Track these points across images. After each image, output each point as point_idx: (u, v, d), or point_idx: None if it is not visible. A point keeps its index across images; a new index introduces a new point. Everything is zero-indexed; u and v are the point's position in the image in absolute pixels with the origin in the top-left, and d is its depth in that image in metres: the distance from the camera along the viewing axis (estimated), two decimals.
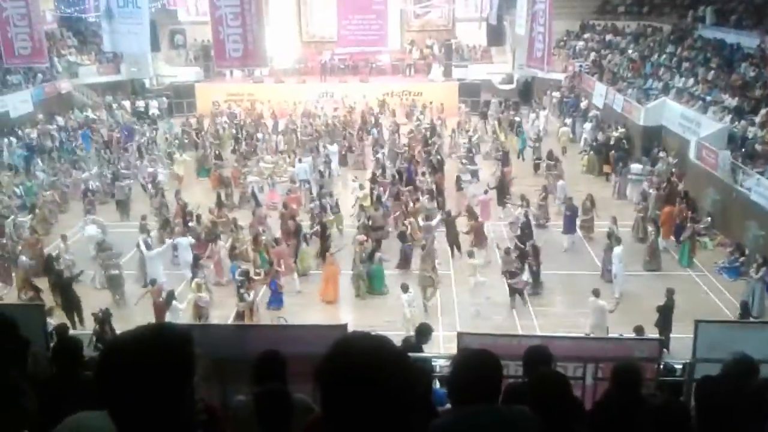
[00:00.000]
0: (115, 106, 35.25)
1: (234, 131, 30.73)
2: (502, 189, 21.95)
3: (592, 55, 34.35)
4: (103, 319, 13.00)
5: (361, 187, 21.53)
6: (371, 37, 31.12)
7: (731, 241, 18.64)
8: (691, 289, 16.54)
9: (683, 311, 13.46)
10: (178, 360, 1.75)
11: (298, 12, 39.94)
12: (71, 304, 15.24)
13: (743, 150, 19.91)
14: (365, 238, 17.56)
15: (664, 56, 29.10)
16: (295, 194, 21.74)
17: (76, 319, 15.09)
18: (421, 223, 18.61)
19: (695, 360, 5.91)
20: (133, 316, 14.91)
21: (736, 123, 21.20)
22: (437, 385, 6.08)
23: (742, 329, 7.20)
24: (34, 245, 17.91)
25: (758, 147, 19.48)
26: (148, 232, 18.60)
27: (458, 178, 22.42)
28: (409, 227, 18.45)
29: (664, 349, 11.16)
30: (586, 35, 36.87)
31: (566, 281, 17.13)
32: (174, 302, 14.43)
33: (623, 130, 26.36)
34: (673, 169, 22.58)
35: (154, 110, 35.56)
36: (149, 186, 23.01)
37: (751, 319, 14.48)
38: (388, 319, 14.98)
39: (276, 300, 15.98)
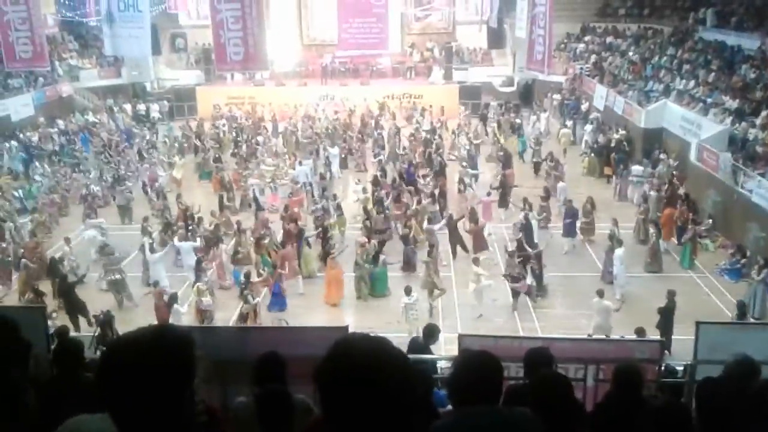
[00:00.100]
0: (116, 109, 35.28)
1: (234, 134, 30.73)
2: (504, 191, 21.96)
3: (593, 57, 34.36)
4: (104, 321, 13.01)
5: (364, 190, 21.54)
6: (372, 41, 31.16)
7: (732, 243, 18.62)
8: (692, 290, 16.53)
9: (684, 313, 13.45)
10: (179, 361, 1.75)
11: (299, 15, 39.99)
12: (75, 307, 15.23)
13: (744, 152, 19.91)
14: (366, 240, 17.56)
15: (665, 58, 29.12)
16: (297, 197, 21.74)
17: (84, 321, 15.05)
18: (424, 225, 18.62)
19: (696, 361, 5.91)
20: (136, 318, 14.94)
21: (737, 125, 21.20)
22: (438, 386, 6.07)
23: (743, 331, 7.20)
24: (33, 249, 17.91)
25: (759, 149, 19.48)
26: (150, 234, 18.61)
27: (460, 180, 22.44)
28: (411, 230, 18.46)
29: (666, 351, 11.15)
30: (586, 38, 36.91)
31: (567, 283, 17.13)
32: (176, 305, 14.44)
33: (624, 132, 26.35)
34: (674, 172, 22.58)
35: (155, 114, 35.58)
36: (149, 189, 23.01)
37: (752, 320, 14.47)
38: (389, 321, 14.95)
39: (278, 303, 15.98)
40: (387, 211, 19.81)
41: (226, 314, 15.62)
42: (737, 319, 14.17)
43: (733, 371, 4.42)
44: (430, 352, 8.39)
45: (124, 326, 12.54)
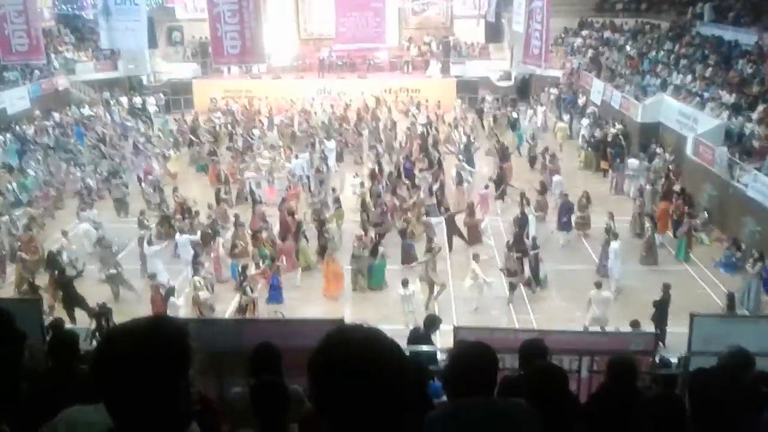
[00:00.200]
0: (112, 102, 35.18)
1: (229, 127, 30.64)
2: (502, 184, 22.01)
3: (590, 52, 34.35)
4: (100, 314, 13.00)
5: (362, 184, 21.54)
6: (369, 34, 31.09)
7: (728, 237, 18.67)
8: (687, 283, 16.57)
9: (679, 306, 13.46)
10: (175, 352, 1.75)
11: (296, 9, 39.87)
12: (73, 301, 15.20)
13: (740, 146, 19.95)
14: (363, 233, 17.56)
15: (662, 53, 29.12)
16: (293, 190, 21.71)
17: (83, 315, 15.01)
18: (423, 219, 18.62)
19: (690, 353, 5.93)
20: (133, 311, 14.90)
21: (734, 119, 21.23)
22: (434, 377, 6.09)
23: (737, 323, 7.23)
24: (27, 242, 17.88)
25: (755, 143, 19.53)
26: (148, 227, 18.60)
27: (458, 174, 22.48)
28: (408, 224, 18.47)
29: (660, 343, 11.19)
30: (584, 32, 36.89)
31: (563, 276, 17.16)
32: (172, 298, 14.44)
33: (620, 126, 26.38)
34: (670, 166, 22.62)
35: (151, 107, 35.49)
36: (144, 182, 22.98)
37: (745, 312, 14.57)
38: (386, 313, 14.98)
39: (276, 296, 16.00)
40: (385, 205, 19.80)
41: (222, 307, 15.62)
42: (726, 311, 14.36)
43: (727, 362, 4.44)
44: (431, 342, 8.40)
45: (121, 319, 12.47)
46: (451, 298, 16.14)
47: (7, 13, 26.59)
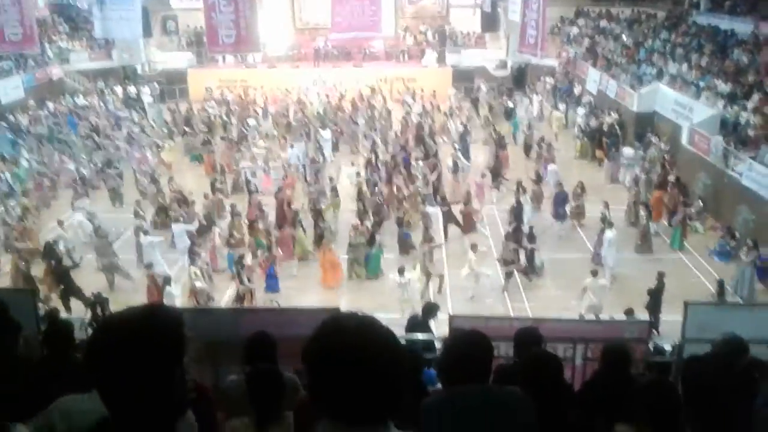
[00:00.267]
0: (107, 92, 35.00)
1: (224, 117, 30.47)
2: (498, 173, 22.01)
3: (586, 41, 34.28)
4: (96, 303, 12.98)
5: (358, 174, 21.53)
6: (365, 24, 31.02)
7: (722, 226, 18.74)
8: (681, 272, 16.64)
9: (673, 294, 13.53)
10: (170, 340, 1.75)
11: None
12: (70, 291, 15.17)
13: (735, 135, 19.98)
14: (359, 222, 17.56)
15: (658, 42, 29.08)
16: (290, 180, 21.66)
17: (80, 304, 14.98)
18: (421, 209, 18.64)
19: (684, 340, 5.96)
20: (129, 301, 14.88)
21: (729, 108, 21.25)
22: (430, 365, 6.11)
23: (731, 311, 7.25)
24: (21, 233, 17.83)
25: (750, 132, 19.55)
26: (143, 217, 18.57)
27: (454, 163, 22.49)
28: (405, 213, 18.48)
29: (654, 331, 11.24)
30: (580, 21, 36.81)
31: (557, 265, 17.19)
32: (168, 287, 14.43)
33: (616, 116, 26.38)
34: (665, 156, 22.65)
35: (146, 97, 35.31)
36: (138, 172, 22.91)
37: (739, 300, 14.64)
38: (382, 302, 15.00)
39: (272, 285, 16.00)
40: (381, 195, 19.76)
41: (218, 296, 15.65)
42: (717, 297, 14.50)
43: (721, 350, 4.47)
44: (429, 329, 8.41)
45: (117, 308, 12.41)
46: (446, 287, 16.17)
47: (0, 2, 26.39)
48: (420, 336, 7.55)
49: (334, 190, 20.29)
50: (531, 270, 16.56)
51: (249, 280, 14.89)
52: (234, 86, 34.97)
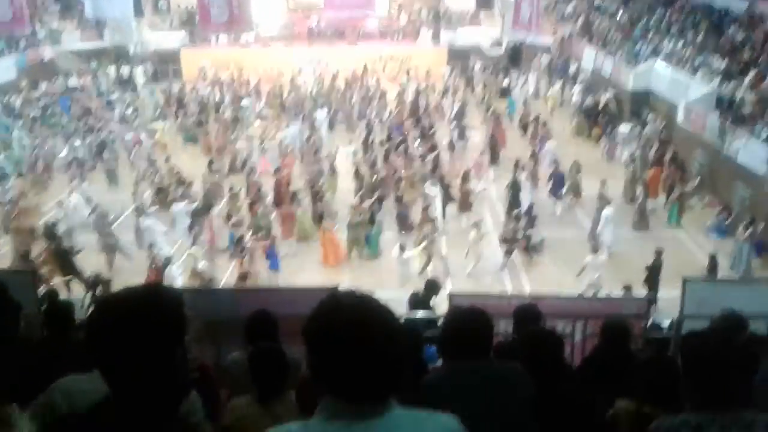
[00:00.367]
0: (101, 72, 34.71)
1: (217, 97, 30.22)
2: (495, 150, 21.98)
3: (582, 18, 34.07)
4: (96, 283, 12.98)
5: (355, 153, 21.45)
6: (359, 2, 30.78)
7: (719, 202, 18.77)
8: (679, 248, 16.69)
9: (671, 270, 13.58)
10: (169, 319, 1.75)
11: None
12: (70, 271, 15.14)
13: (731, 112, 19.95)
14: (358, 202, 17.52)
15: (654, 19, 28.92)
16: (287, 160, 21.53)
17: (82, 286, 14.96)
18: (422, 188, 18.69)
19: (683, 316, 5.99)
20: (129, 281, 14.80)
21: (725, 85, 21.20)
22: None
23: (729, 287, 7.29)
24: (18, 214, 17.77)
25: (746, 109, 19.52)
26: (142, 198, 18.51)
27: (450, 142, 22.41)
28: (403, 192, 18.47)
29: (652, 307, 11.28)
30: None
31: (555, 243, 17.20)
32: (169, 268, 14.42)
33: (611, 94, 26.31)
34: (661, 133, 22.64)
35: (139, 77, 35.05)
36: (133, 153, 22.77)
37: (736, 277, 14.73)
38: (380, 280, 15.04)
39: (273, 264, 16.05)
40: (379, 174, 19.68)
41: (219, 275, 15.64)
42: (708, 272, 14.64)
43: (720, 325, 4.49)
44: (430, 306, 8.43)
45: (117, 289, 12.40)
46: (441, 265, 16.21)
47: None
48: (420, 313, 7.58)
49: (332, 169, 20.22)
50: (532, 249, 16.58)
51: (251, 260, 14.84)
52: (227, 66, 34.69)
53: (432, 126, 24.28)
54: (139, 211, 17.23)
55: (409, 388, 2.40)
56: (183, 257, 15.92)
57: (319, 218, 17.61)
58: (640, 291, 12.88)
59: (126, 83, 33.83)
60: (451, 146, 22.22)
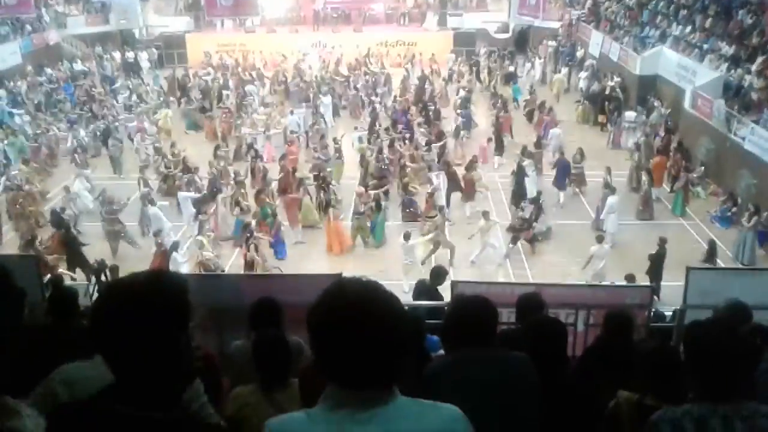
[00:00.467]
0: (106, 57, 34.62)
1: (220, 82, 30.10)
2: (499, 137, 21.90)
3: (589, 2, 33.82)
4: (100, 270, 13.00)
5: (360, 139, 21.38)
6: None
7: (724, 191, 18.69)
8: (683, 237, 16.65)
9: (674, 259, 13.55)
10: (174, 306, 1.75)
11: None
12: (76, 258, 15.18)
13: (738, 99, 19.81)
14: (364, 189, 17.48)
15: (662, 3, 28.68)
16: (293, 146, 21.48)
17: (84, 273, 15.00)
18: (428, 175, 18.69)
19: (686, 306, 5.97)
20: (134, 268, 14.76)
21: (733, 71, 21.05)
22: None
23: (733, 276, 7.26)
24: (21, 200, 17.79)
25: (753, 96, 19.39)
26: (148, 185, 18.54)
27: (456, 128, 22.31)
28: (408, 179, 18.42)
29: (655, 297, 11.27)
30: None
31: (558, 231, 17.18)
32: (174, 253, 14.44)
33: (618, 79, 26.16)
34: (668, 121, 22.52)
35: (144, 62, 34.96)
36: (136, 139, 22.74)
37: (740, 266, 14.68)
38: (384, 268, 15.03)
39: (279, 251, 16.07)
40: (386, 161, 19.61)
41: (224, 262, 15.66)
42: (706, 258, 14.71)
43: (724, 315, 4.47)
44: (439, 295, 8.41)
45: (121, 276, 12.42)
46: (447, 254, 16.19)
47: None
48: (424, 302, 7.58)
49: (338, 154, 20.17)
50: (536, 238, 16.53)
51: (256, 249, 14.83)
52: (233, 51, 34.58)
53: (439, 113, 24.15)
54: (145, 199, 17.19)
55: (411, 376, 2.41)
56: (188, 244, 15.98)
57: (325, 206, 17.58)
58: (643, 280, 12.83)
59: (131, 67, 33.73)
60: (457, 133, 22.13)
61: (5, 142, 22.25)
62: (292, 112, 24.64)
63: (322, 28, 36.36)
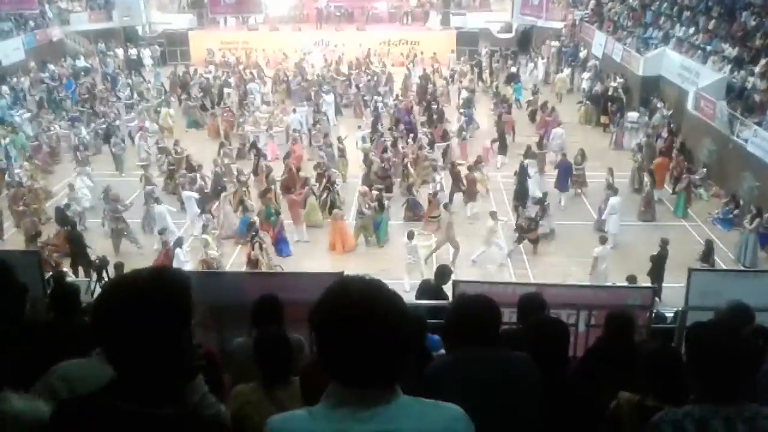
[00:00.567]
0: (109, 54, 34.61)
1: (222, 79, 30.06)
2: (503, 137, 21.89)
3: (592, 3, 33.79)
4: (101, 266, 13.03)
5: (364, 139, 21.38)
6: None
7: (726, 192, 18.66)
8: (685, 239, 16.62)
9: (676, 261, 13.55)
10: (176, 302, 1.76)
11: None
12: (79, 256, 15.18)
13: (741, 101, 19.79)
14: (367, 189, 17.47)
15: (665, 4, 28.66)
16: (296, 145, 21.46)
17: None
18: (432, 175, 18.68)
19: (687, 307, 5.96)
20: (136, 265, 14.74)
21: (736, 73, 21.03)
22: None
23: (734, 278, 7.25)
24: (23, 197, 17.82)
25: (756, 97, 19.36)
26: (152, 183, 18.57)
27: (459, 127, 22.29)
28: (411, 178, 18.42)
29: (656, 298, 11.27)
30: None
31: (560, 232, 17.16)
32: (178, 250, 14.46)
33: (621, 80, 26.13)
34: (671, 123, 22.50)
35: (147, 59, 34.96)
36: (137, 138, 22.75)
37: (741, 268, 14.66)
38: (383, 267, 15.03)
39: (284, 250, 16.07)
40: (389, 160, 19.59)
41: (227, 261, 15.70)
42: (703, 258, 14.75)
43: (726, 317, 4.46)
44: (444, 294, 8.39)
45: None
46: (449, 253, 16.19)
47: None
48: (425, 301, 7.56)
49: (342, 153, 20.15)
50: (540, 238, 16.50)
51: (261, 247, 14.82)
52: (235, 49, 34.57)
53: (443, 113, 24.11)
54: (150, 197, 17.20)
55: (413, 375, 2.41)
56: (191, 241, 15.98)
57: (331, 205, 17.55)
58: (645, 281, 12.82)
59: (133, 64, 33.72)
60: (459, 133, 22.11)
61: (6, 139, 22.24)
62: (294, 111, 24.63)
63: (325, 27, 36.38)
